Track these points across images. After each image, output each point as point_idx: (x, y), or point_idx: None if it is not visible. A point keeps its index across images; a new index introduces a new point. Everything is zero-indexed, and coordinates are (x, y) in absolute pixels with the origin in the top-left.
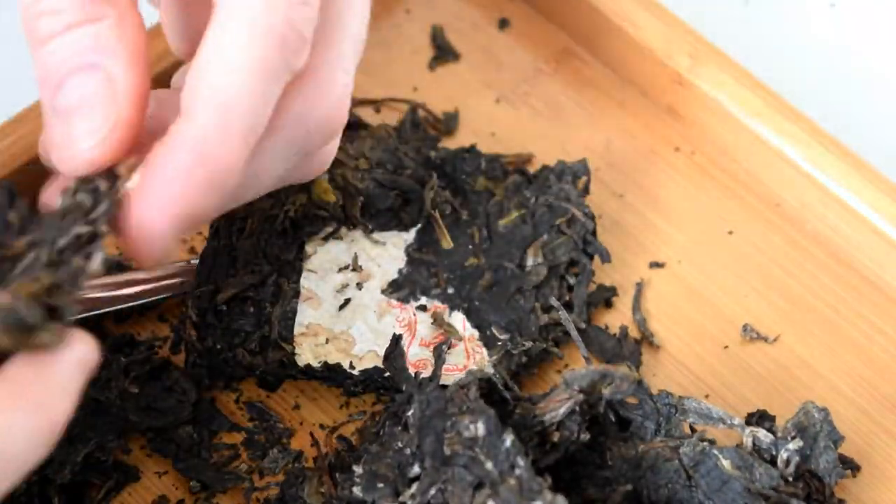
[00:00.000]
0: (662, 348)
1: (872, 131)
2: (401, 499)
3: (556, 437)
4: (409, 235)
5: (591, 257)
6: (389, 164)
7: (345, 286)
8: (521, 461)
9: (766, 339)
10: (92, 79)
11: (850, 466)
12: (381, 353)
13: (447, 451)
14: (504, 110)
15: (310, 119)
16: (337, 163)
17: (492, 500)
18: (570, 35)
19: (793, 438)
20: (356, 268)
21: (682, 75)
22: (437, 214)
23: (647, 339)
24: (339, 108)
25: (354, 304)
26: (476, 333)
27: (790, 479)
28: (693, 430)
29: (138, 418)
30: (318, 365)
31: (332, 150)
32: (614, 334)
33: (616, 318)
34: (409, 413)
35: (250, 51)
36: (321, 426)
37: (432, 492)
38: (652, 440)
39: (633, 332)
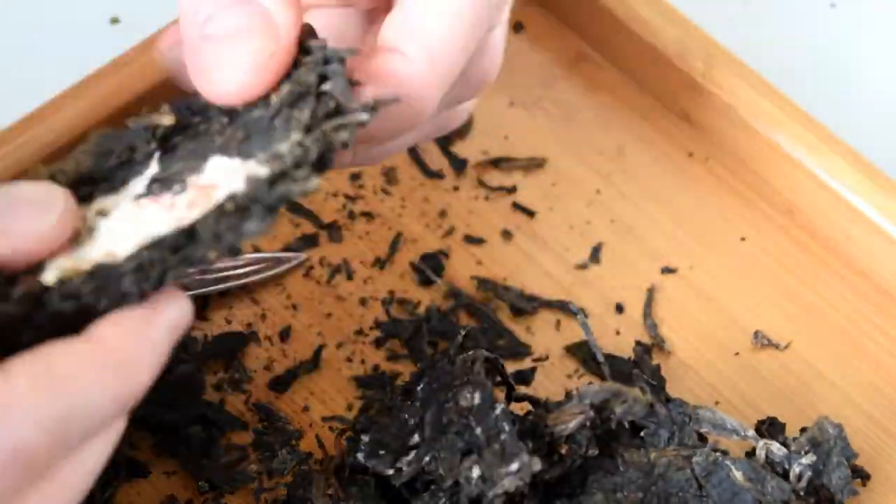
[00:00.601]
0: (673, 354)
1: (873, 131)
2: (398, 465)
3: (563, 449)
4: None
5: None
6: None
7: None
8: (506, 427)
9: (777, 346)
10: (246, 11)
11: (860, 475)
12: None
13: (445, 419)
14: (517, 114)
15: (476, 71)
16: None
17: (477, 466)
18: (584, 39)
19: (806, 453)
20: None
21: (695, 80)
22: None
23: (657, 344)
24: (497, 62)
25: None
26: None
27: (801, 493)
28: (702, 437)
29: (147, 413)
30: (55, 284)
31: (471, 105)
32: (629, 358)
33: (627, 324)
34: (419, 388)
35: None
36: (330, 429)
37: (427, 459)
38: (664, 448)
39: (644, 338)
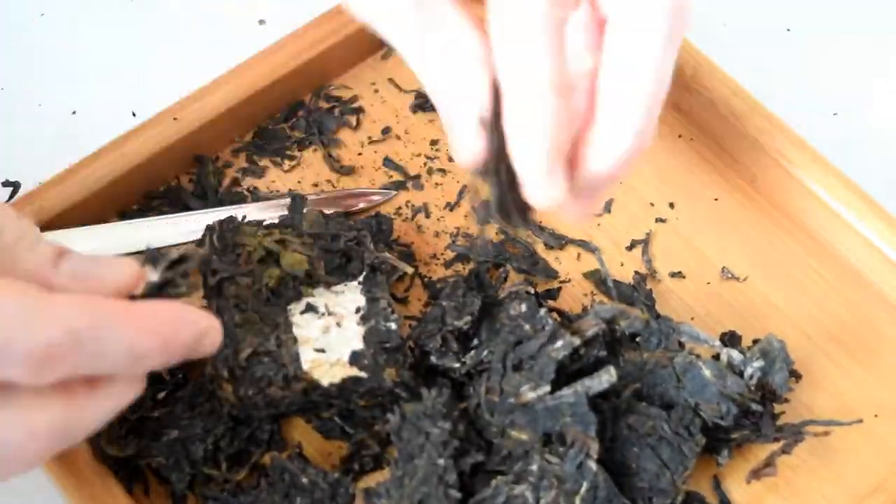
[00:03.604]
0: (661, 282)
1: (821, 120)
2: (462, 359)
3: (582, 350)
4: (358, 281)
5: None
6: (326, 236)
7: (328, 327)
8: (549, 321)
9: (738, 279)
10: None
11: (794, 375)
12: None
13: (497, 325)
14: None
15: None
16: (289, 245)
17: (524, 350)
18: None
19: (757, 359)
20: (330, 313)
21: (686, 82)
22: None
23: (650, 274)
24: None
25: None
26: None
27: (752, 388)
28: (681, 344)
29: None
30: (338, 382)
31: None
32: (630, 283)
33: (631, 258)
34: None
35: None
36: (409, 326)
37: (484, 353)
38: (654, 351)
39: (641, 269)
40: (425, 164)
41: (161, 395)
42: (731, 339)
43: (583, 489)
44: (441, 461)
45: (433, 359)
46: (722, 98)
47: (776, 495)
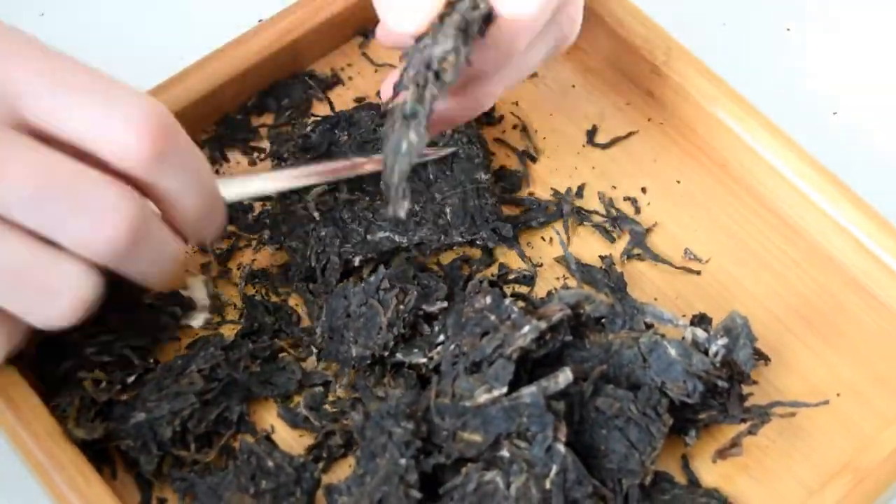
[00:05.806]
0: (631, 264)
1: (795, 109)
2: (429, 354)
3: (548, 336)
4: None
5: None
6: None
7: None
8: (514, 309)
9: (700, 260)
10: None
11: (762, 357)
12: None
13: (463, 319)
14: (527, 87)
15: (555, 28)
16: None
17: (495, 340)
18: None
19: (721, 337)
20: None
21: (658, 67)
22: None
23: (621, 257)
24: (574, 28)
25: None
26: None
27: (717, 365)
28: (648, 325)
29: (258, 390)
30: None
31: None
32: (601, 267)
33: (601, 240)
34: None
35: None
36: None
37: (451, 347)
38: (619, 332)
39: (611, 252)
40: None
41: (130, 379)
42: (701, 320)
43: (552, 472)
44: (403, 461)
45: (399, 356)
46: (692, 82)
47: (746, 475)
